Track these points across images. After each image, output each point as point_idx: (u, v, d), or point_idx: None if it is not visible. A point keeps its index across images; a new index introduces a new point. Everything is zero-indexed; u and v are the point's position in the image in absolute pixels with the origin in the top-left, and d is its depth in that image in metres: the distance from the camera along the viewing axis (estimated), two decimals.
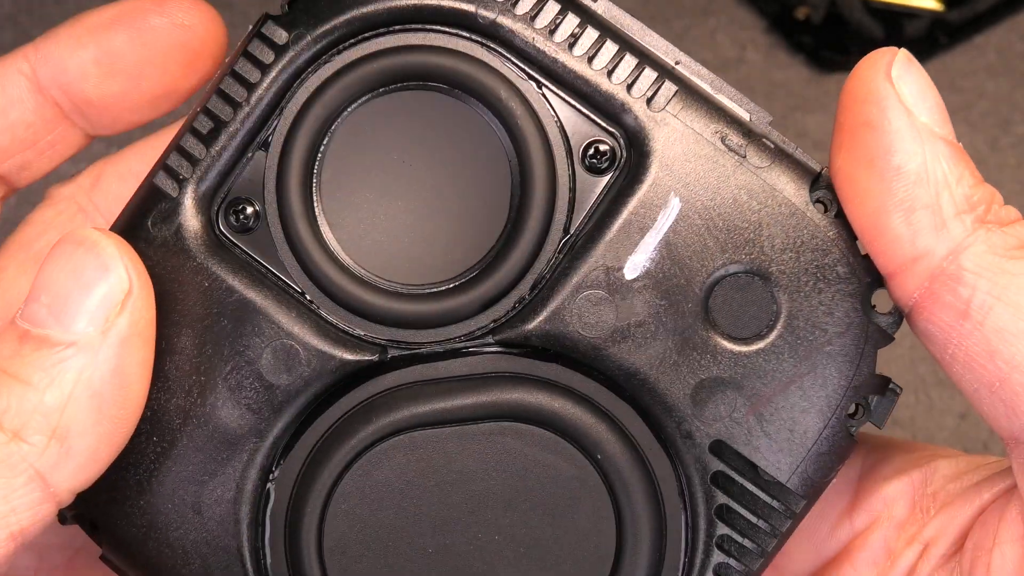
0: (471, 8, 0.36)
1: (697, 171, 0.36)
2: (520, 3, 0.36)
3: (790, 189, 0.36)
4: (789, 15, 0.85)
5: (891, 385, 0.37)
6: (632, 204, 0.36)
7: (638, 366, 0.36)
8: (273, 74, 0.36)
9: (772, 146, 0.36)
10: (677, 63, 0.37)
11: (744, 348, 0.36)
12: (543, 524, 0.36)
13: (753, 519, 0.36)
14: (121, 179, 0.43)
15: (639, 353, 0.36)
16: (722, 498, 0.36)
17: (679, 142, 0.36)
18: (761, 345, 0.36)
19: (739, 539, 0.36)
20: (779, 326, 0.36)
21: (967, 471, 0.39)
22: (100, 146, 0.81)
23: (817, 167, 0.36)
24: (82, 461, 0.34)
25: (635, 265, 0.36)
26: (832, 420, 0.36)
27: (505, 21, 0.36)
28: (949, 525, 0.38)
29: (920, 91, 0.35)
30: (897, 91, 0.34)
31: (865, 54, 0.36)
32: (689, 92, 0.36)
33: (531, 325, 0.36)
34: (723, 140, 0.36)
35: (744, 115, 0.36)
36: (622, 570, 0.36)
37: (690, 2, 0.86)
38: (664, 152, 0.36)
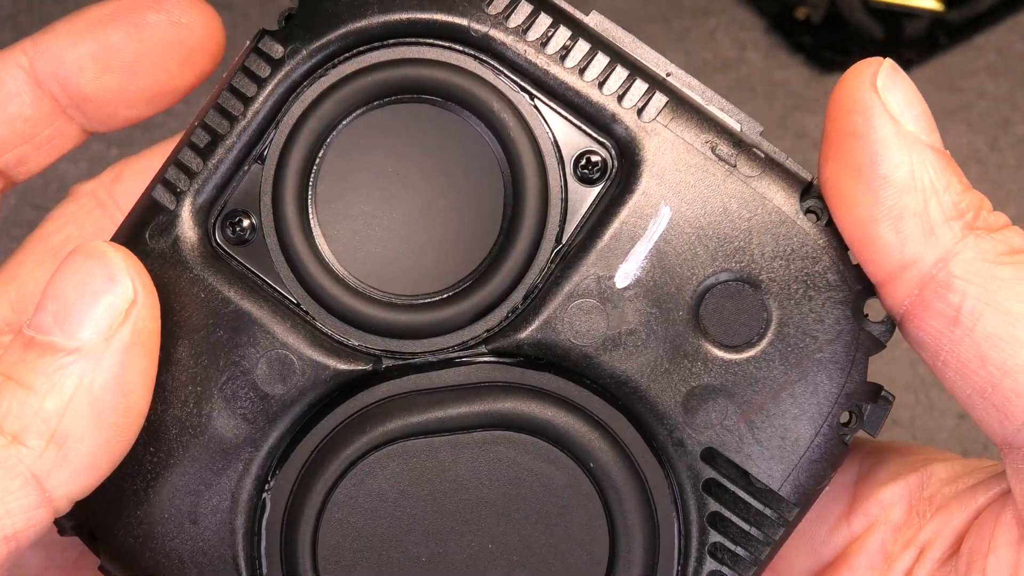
0: (464, 22, 0.36)
1: (687, 180, 0.36)
2: (512, 16, 0.36)
3: (780, 198, 0.36)
4: (789, 15, 0.84)
5: (883, 393, 0.37)
6: (623, 213, 0.36)
7: (629, 374, 0.36)
8: (269, 88, 0.37)
9: (763, 156, 0.36)
10: (668, 74, 0.37)
11: (735, 356, 0.36)
12: (536, 533, 0.36)
13: (746, 527, 0.36)
14: (141, 176, 0.43)
15: (630, 361, 0.36)
16: (714, 506, 0.36)
17: (669, 152, 0.36)
18: (752, 353, 0.36)
19: (732, 547, 0.36)
20: (770, 333, 0.36)
21: (963, 475, 0.39)
22: (100, 146, 0.81)
23: (808, 176, 0.36)
24: (80, 467, 0.34)
25: (626, 274, 0.36)
26: (824, 427, 0.36)
27: (497, 34, 0.36)
28: (945, 528, 0.38)
29: (906, 100, 0.35)
30: (883, 100, 0.35)
31: (865, 54, 0.36)
32: (680, 103, 0.36)
33: (523, 334, 0.36)
34: (713, 150, 0.36)
35: (735, 125, 0.37)
36: None
37: (690, 2, 0.86)
38: (655, 162, 0.36)
